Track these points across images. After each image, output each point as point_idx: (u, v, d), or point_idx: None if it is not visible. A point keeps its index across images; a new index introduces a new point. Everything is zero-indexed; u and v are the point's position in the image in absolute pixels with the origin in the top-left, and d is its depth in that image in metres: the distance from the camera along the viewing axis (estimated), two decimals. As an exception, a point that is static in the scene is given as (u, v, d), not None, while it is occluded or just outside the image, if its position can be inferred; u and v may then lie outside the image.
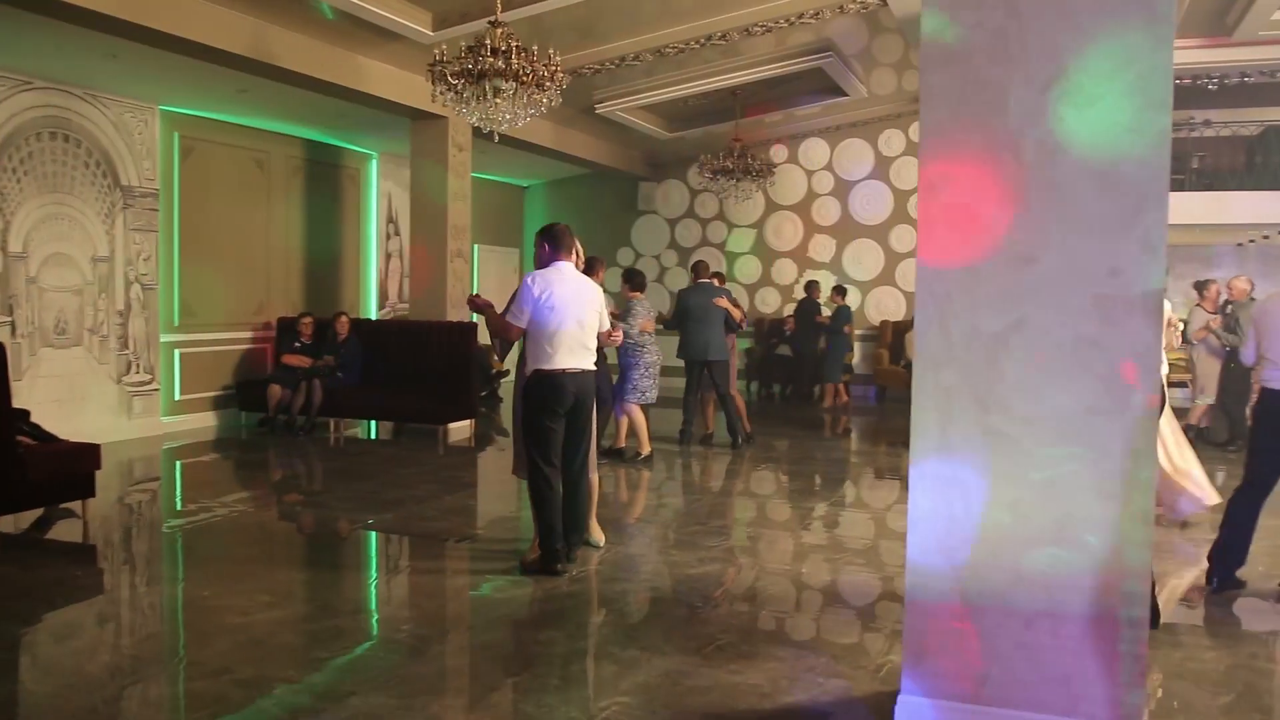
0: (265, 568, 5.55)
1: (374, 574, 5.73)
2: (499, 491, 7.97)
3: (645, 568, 5.64)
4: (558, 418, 5.31)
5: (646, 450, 8.94)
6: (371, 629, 4.65)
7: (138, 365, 9.85)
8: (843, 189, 15.02)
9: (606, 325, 5.55)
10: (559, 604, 4.93)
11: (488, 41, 7.22)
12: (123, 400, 9.70)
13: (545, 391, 5.28)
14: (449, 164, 10.65)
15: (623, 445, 9.07)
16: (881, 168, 14.84)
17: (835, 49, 11.28)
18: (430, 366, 10.41)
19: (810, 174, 15.10)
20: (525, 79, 7.19)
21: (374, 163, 12.95)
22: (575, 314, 5.28)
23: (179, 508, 7.23)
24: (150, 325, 9.97)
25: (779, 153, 15.07)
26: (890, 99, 14.04)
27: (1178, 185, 14.14)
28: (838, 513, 7.21)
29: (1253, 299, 12.49)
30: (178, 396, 10.34)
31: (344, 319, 10.76)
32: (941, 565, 3.46)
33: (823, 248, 15.14)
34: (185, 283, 10.37)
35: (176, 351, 10.31)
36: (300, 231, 11.81)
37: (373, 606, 5.02)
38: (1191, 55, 12.60)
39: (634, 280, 9.19)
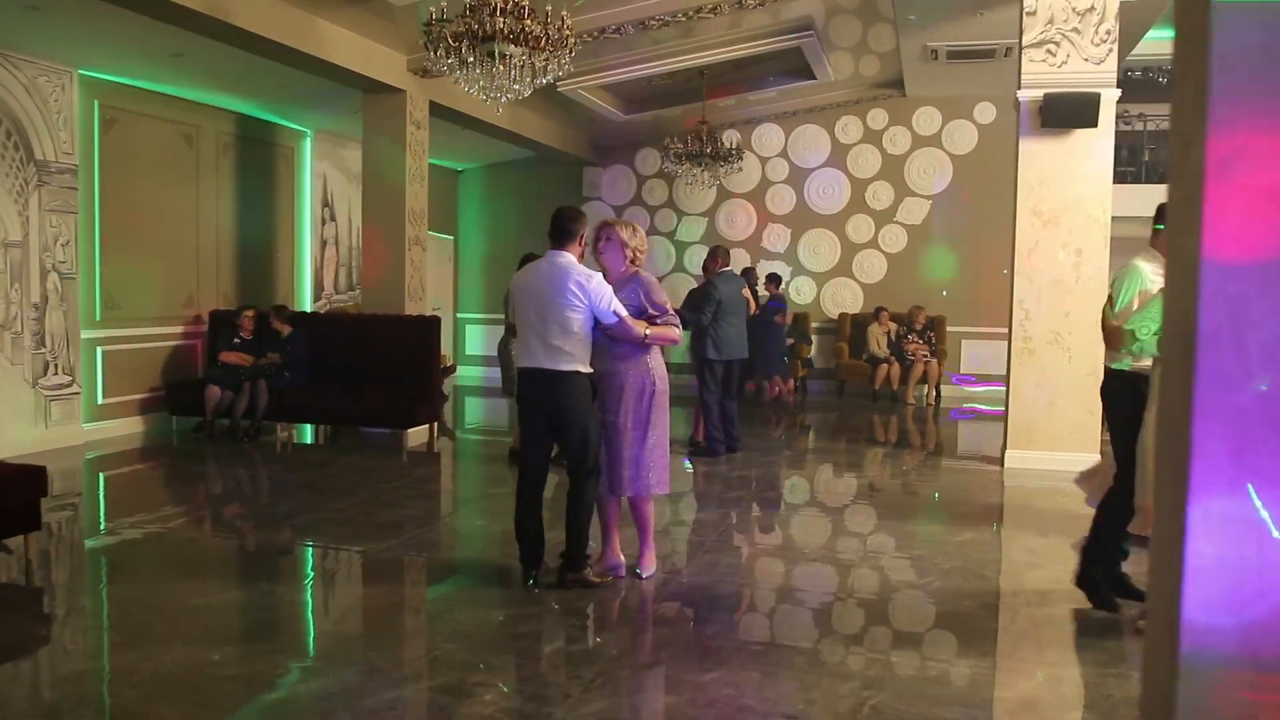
0: (277, 625, 4.63)
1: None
2: (504, 508, 7.13)
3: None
4: (528, 420, 4.96)
5: None
6: None
7: (56, 365, 8.63)
8: (798, 177, 14.50)
9: (611, 319, 4.79)
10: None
11: (491, 0, 6.36)
12: (39, 406, 8.48)
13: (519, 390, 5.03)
14: (407, 142, 9.69)
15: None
16: (838, 155, 14.37)
17: (816, 28, 10.71)
18: (388, 365, 9.46)
19: (764, 161, 14.53)
20: (537, 43, 6.36)
21: (308, 141, 11.84)
22: (535, 307, 4.80)
23: (104, 528, 6.19)
24: (70, 320, 8.76)
25: (731, 138, 14.45)
26: (847, 84, 13.58)
27: (1134, 178, 14.09)
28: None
29: None
30: (101, 400, 9.14)
31: (285, 312, 9.72)
32: (1228, 624, 2.85)
33: (777, 237, 14.60)
34: (108, 271, 9.17)
35: (99, 349, 9.11)
36: (232, 215, 10.66)
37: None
38: (1149, 48, 12.44)
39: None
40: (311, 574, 5.49)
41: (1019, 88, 8.44)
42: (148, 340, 9.61)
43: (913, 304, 13.57)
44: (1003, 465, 8.54)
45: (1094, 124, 8.16)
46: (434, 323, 9.62)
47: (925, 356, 13.24)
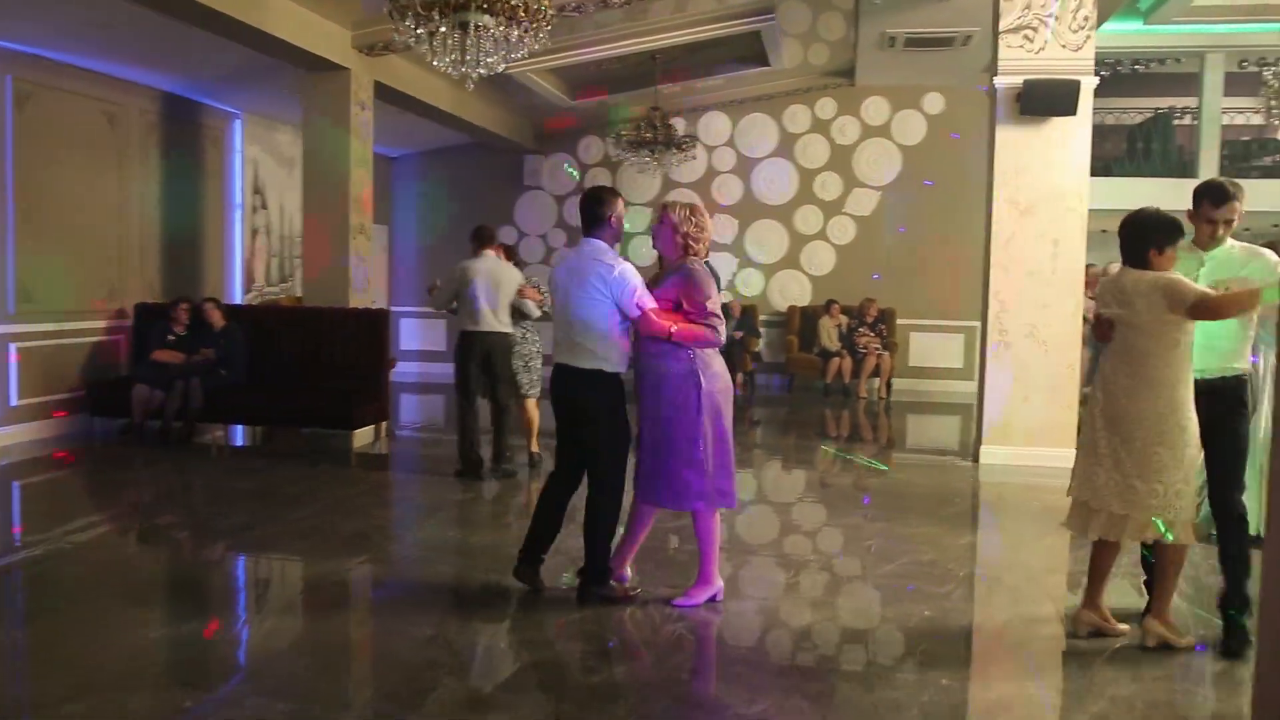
0: (254, 661, 4.10)
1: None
2: (474, 517, 6.63)
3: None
4: (556, 420, 4.78)
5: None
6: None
7: (-35, 364, 7.85)
8: (745, 166, 14.20)
9: (634, 312, 4.50)
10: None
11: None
12: (-53, 409, 7.70)
13: None
14: (351, 125, 9.08)
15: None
16: (786, 145, 14.11)
17: (777, 11, 10.39)
18: (333, 361, 8.87)
19: (711, 150, 14.18)
20: (514, 14, 5.88)
21: (238, 124, 11.10)
22: (560, 300, 4.63)
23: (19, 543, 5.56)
24: (-20, 314, 7.98)
25: (681, 126, 14.07)
26: (796, 73, 13.33)
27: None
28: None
29: None
30: (15, 402, 8.35)
31: (211, 306, 9.04)
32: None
33: (724, 228, 14.26)
34: (22, 261, 8.37)
35: (12, 345, 8.33)
36: (156, 201, 9.90)
37: None
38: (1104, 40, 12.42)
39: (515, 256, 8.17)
40: (283, 597, 4.95)
41: (995, 74, 8.22)
42: (66, 336, 8.84)
43: (864, 296, 13.39)
44: (977, 461, 8.34)
45: (1073, 112, 7.98)
46: (381, 316, 9.06)
47: (877, 349, 13.06)
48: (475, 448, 7.38)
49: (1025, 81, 7.97)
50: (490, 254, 7.52)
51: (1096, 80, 8.14)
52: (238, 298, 11.02)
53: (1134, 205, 13.55)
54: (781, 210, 14.15)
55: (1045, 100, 7.92)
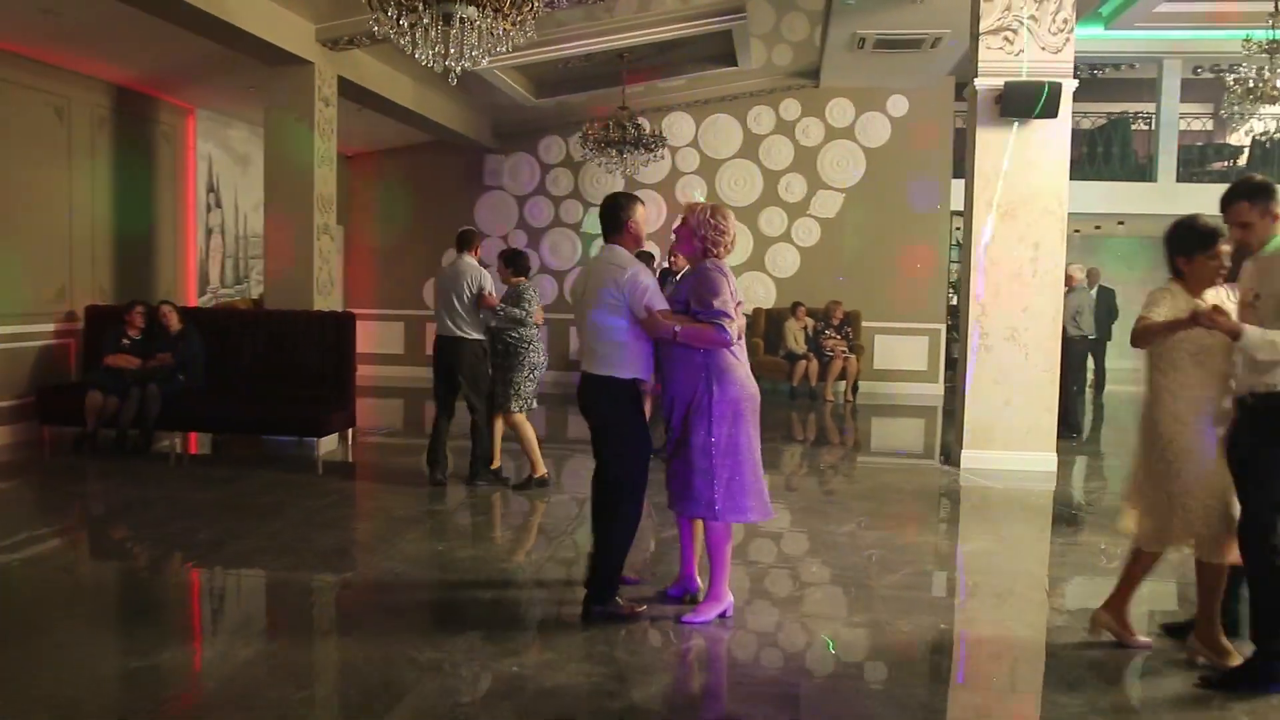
0: (249, 690, 3.83)
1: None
2: (455, 529, 6.39)
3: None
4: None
5: (540, 472, 7.18)
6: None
7: (-95, 371, 7.41)
8: (709, 168, 14.07)
9: (642, 314, 4.35)
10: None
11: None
12: (-114, 418, 7.26)
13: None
14: (315, 121, 8.76)
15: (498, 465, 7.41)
16: (750, 146, 14.00)
17: (748, 10, 10.26)
18: (298, 366, 8.55)
19: (675, 151, 14.02)
20: (500, 6, 5.65)
21: (192, 119, 10.70)
22: (579, 308, 4.57)
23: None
24: (-78, 317, 7.54)
25: (650, 125, 13.89)
26: (761, 74, 13.23)
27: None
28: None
29: (1083, 287, 12.73)
30: (-41, 410, 7.93)
31: (168, 309, 8.66)
32: None
33: (687, 230, 14.09)
34: (-34, 261, 7.95)
35: (-44, 351, 7.91)
36: (108, 199, 9.48)
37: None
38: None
39: (516, 263, 7.47)
40: (269, 619, 4.67)
41: (976, 75, 8.16)
42: (14, 340, 8.41)
43: (829, 299, 13.32)
44: (959, 466, 8.26)
45: (1055, 114, 7.94)
46: (348, 320, 8.74)
47: (844, 352, 13.00)
48: (436, 456, 7.15)
49: (1006, 83, 7.91)
50: (467, 258, 7.26)
51: (1076, 83, 8.12)
52: (192, 300, 10.61)
53: (1092, 208, 13.67)
54: (746, 212, 14.02)
55: (1027, 102, 7.87)
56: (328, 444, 8.51)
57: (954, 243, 14.57)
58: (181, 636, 4.29)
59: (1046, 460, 8.16)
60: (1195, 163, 14.66)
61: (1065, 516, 6.79)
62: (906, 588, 5.06)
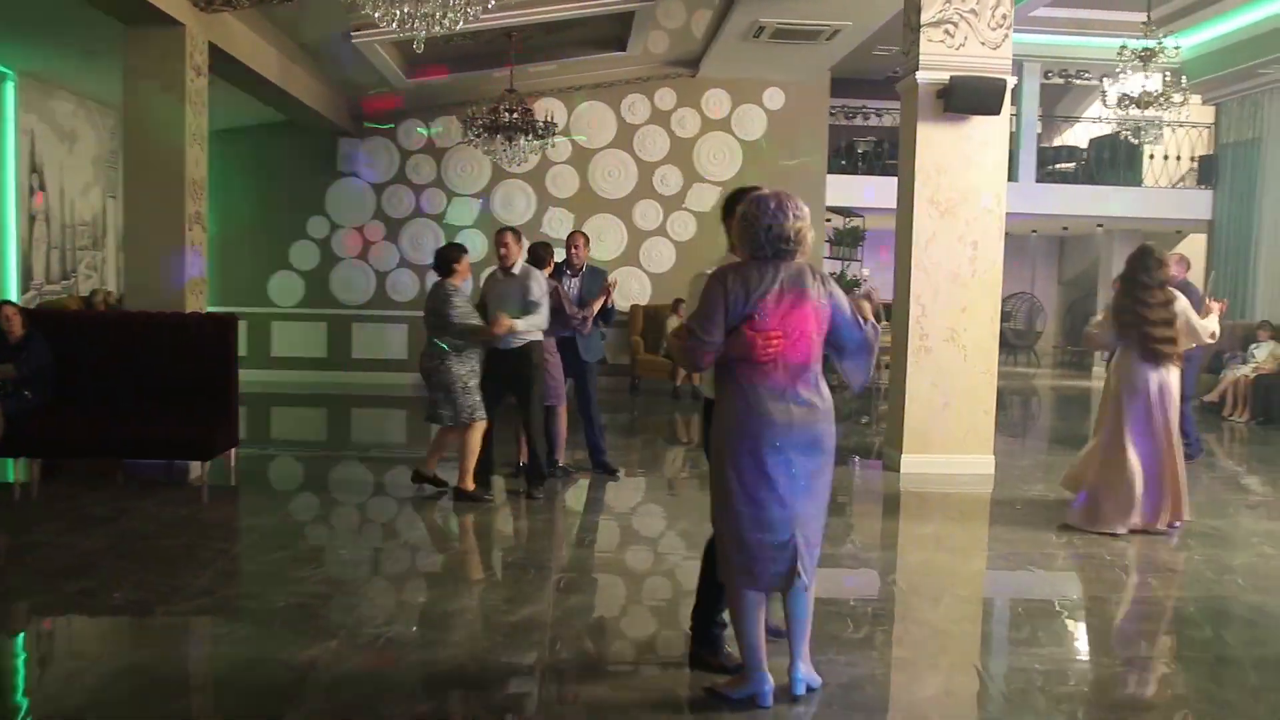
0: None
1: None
2: (419, 569, 5.51)
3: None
4: None
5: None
6: None
7: None
8: (582, 157, 13.41)
9: None
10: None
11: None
12: None
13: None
14: (186, 93, 7.57)
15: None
16: (624, 136, 13.44)
17: (652, -8, 9.69)
18: (172, 378, 7.33)
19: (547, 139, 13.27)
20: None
21: (10, 87, 9.13)
22: None
23: None
24: None
25: (549, 110, 13.03)
26: (635, 60, 12.69)
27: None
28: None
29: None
30: None
31: (12, 311, 7.29)
32: None
33: (559, 222, 13.41)
34: None
35: None
36: (-86, 179, 7.91)
37: None
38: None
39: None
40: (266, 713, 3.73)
41: (917, 69, 7.90)
42: None
43: (711, 296, 12.95)
44: (899, 471, 8.00)
45: (998, 111, 7.79)
46: (229, 323, 7.59)
47: (728, 351, 12.65)
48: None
49: (953, 78, 7.69)
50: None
51: (1015, 80, 8.00)
52: (14, 297, 9.07)
53: None
54: (620, 205, 13.49)
55: (972, 98, 7.68)
56: (200, 464, 7.36)
57: (827, 238, 14.53)
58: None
59: (985, 463, 8.03)
60: (1044, 163, 15.19)
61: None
62: (959, 619, 4.65)
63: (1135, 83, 10.67)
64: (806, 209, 3.55)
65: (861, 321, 3.59)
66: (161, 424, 7.03)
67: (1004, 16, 7.90)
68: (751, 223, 3.51)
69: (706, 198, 13.47)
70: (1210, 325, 6.32)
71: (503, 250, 6.69)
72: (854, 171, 14.68)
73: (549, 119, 10.91)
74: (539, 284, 6.65)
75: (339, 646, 4.07)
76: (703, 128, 13.46)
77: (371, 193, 13.30)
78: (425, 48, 10.56)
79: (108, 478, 7.23)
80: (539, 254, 7.32)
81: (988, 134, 7.94)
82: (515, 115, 10.37)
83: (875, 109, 15.05)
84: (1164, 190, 15.17)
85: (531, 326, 6.58)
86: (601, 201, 13.46)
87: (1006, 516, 6.75)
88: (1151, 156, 14.92)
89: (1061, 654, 4.28)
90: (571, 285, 7.52)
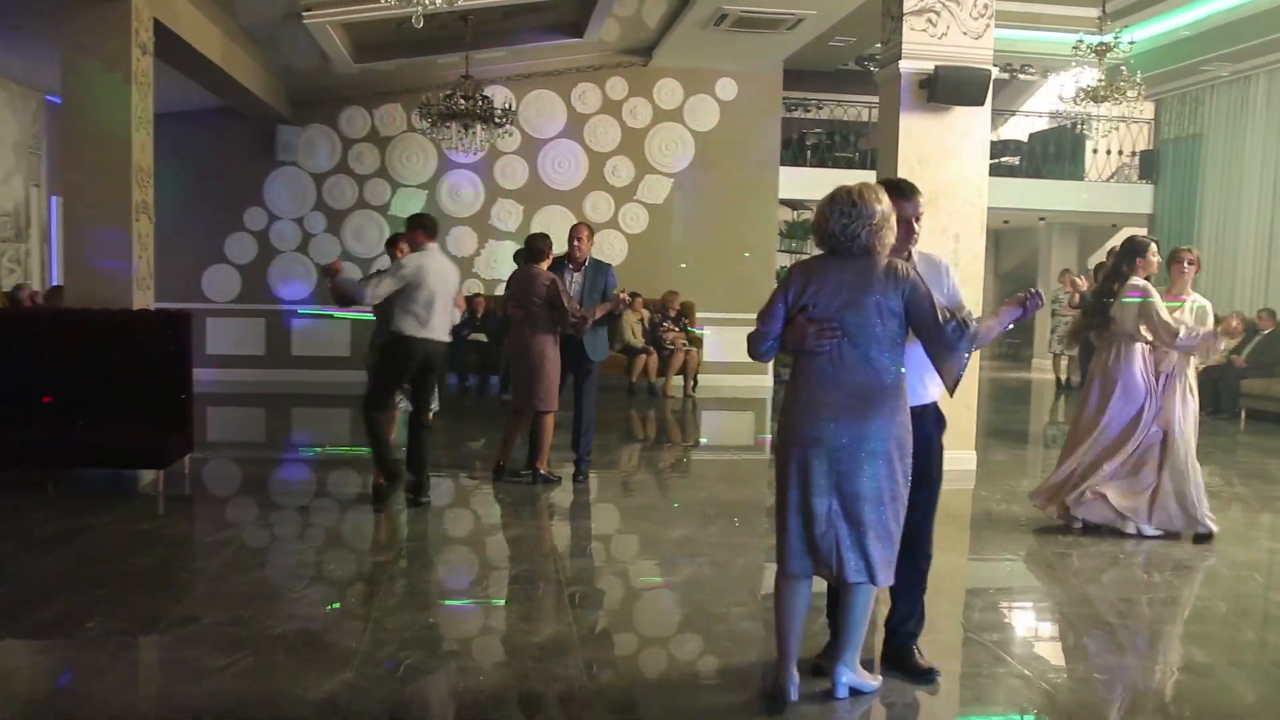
0: None
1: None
2: (427, 584, 5.13)
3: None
4: None
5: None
6: None
7: None
8: (531, 148, 13.03)
9: None
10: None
11: None
12: None
13: None
14: (132, 72, 7.02)
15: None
16: (575, 125, 13.10)
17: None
18: (120, 381, 6.81)
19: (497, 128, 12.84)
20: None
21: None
22: None
23: None
24: None
25: (507, 98, 12.58)
26: (587, 49, 12.37)
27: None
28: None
29: None
30: None
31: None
32: None
33: (508, 214, 13.05)
34: None
35: None
36: None
37: None
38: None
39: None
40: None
41: (900, 57, 7.74)
42: None
43: (665, 289, 12.73)
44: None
45: (982, 102, 7.68)
46: (183, 321, 7.07)
47: (684, 345, 12.44)
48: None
49: (938, 68, 7.54)
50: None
51: (996, 70, 7.90)
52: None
53: None
54: (570, 196, 13.16)
55: (957, 89, 7.55)
56: (150, 473, 6.86)
57: (780, 231, 14.39)
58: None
59: (967, 459, 7.93)
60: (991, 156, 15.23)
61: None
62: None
63: (1090, 76, 10.74)
64: (879, 207, 3.44)
65: (944, 320, 3.37)
66: (112, 430, 6.53)
67: (985, 6, 7.79)
68: (819, 219, 3.52)
69: (659, 189, 13.23)
70: (1183, 329, 5.74)
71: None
72: (804, 163, 14.54)
73: (506, 106, 10.51)
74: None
75: (356, 679, 3.70)
76: (655, 118, 13.20)
77: (311, 183, 12.73)
78: (376, 30, 10.20)
79: (40, 489, 6.64)
80: (537, 246, 7.04)
81: (970, 125, 7.82)
82: (471, 102, 9.95)
83: (824, 101, 14.95)
84: (1105, 184, 15.37)
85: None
86: (551, 193, 13.10)
87: (1002, 515, 6.62)
88: (1095, 151, 15.12)
89: (1116, 662, 4.13)
90: (573, 280, 7.18)
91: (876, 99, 14.97)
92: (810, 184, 14.26)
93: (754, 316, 3.63)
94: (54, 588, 4.68)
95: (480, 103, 10.10)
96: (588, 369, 7.11)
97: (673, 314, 12.61)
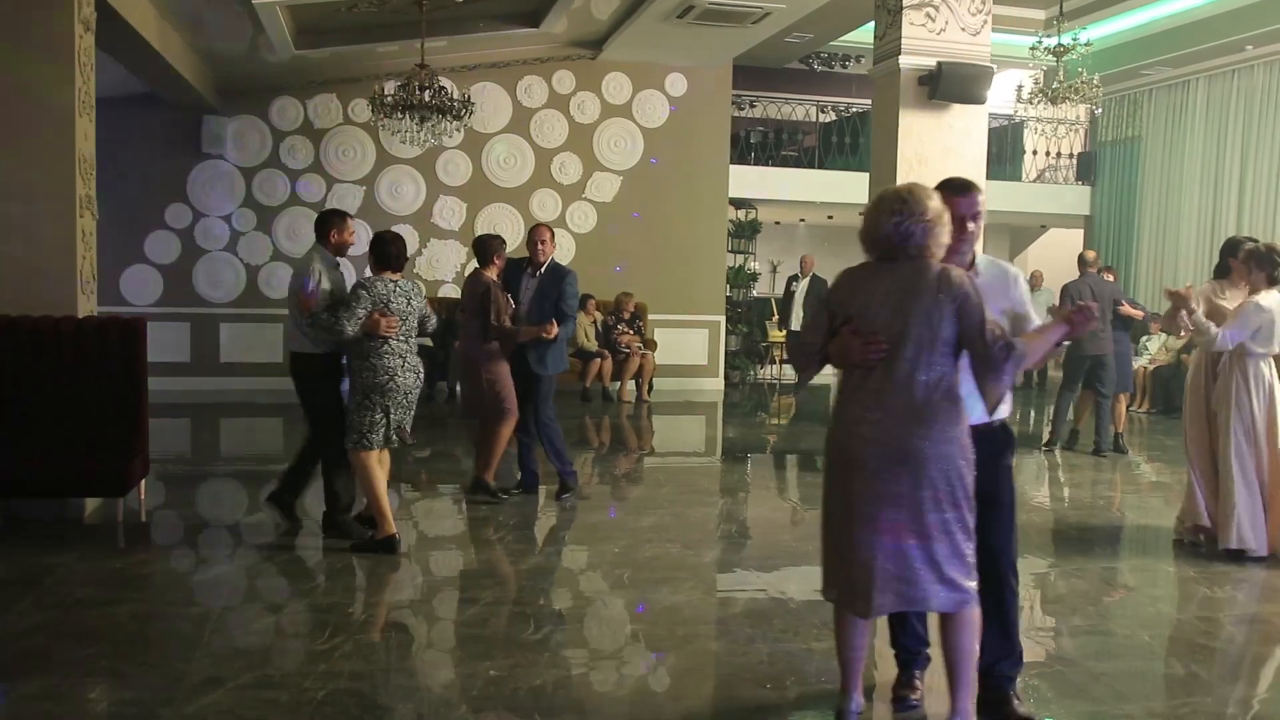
0: None
1: None
2: (444, 626, 4.59)
3: None
4: None
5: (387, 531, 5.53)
6: None
7: None
8: (475, 143, 12.42)
9: None
10: None
11: None
12: None
13: None
14: (75, 53, 6.26)
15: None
16: (521, 120, 12.56)
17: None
18: (67, 398, 6.07)
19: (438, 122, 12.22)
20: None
21: None
22: None
23: None
24: None
25: (466, 89, 11.92)
26: (532, 40, 11.86)
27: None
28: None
29: (817, 275, 13.08)
30: None
31: None
32: None
33: (450, 212, 12.43)
34: None
35: None
36: None
37: None
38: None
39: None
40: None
41: (899, 53, 7.49)
42: None
43: (619, 290, 12.31)
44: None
45: (984, 100, 7.49)
46: (136, 328, 6.34)
47: (639, 348, 12.05)
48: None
49: (940, 64, 7.32)
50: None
51: (995, 67, 7.72)
52: None
53: (843, 198, 13.44)
54: (516, 193, 12.61)
55: (959, 86, 7.34)
56: (95, 501, 6.16)
57: (730, 231, 14.07)
58: None
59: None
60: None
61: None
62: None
63: (1040, 78, 10.79)
64: (931, 204, 3.13)
65: (992, 340, 3.07)
66: (64, 454, 5.79)
67: (983, 2, 7.59)
68: (869, 224, 3.23)
69: (607, 187, 12.79)
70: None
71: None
72: (749, 162, 14.27)
73: (466, 97, 9.92)
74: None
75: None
76: (603, 113, 12.75)
77: (240, 177, 11.89)
78: (323, 14, 9.51)
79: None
80: (483, 248, 6.61)
81: (969, 124, 7.64)
82: (431, 93, 9.34)
83: (771, 99, 14.73)
84: (1042, 185, 15.53)
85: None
86: (496, 190, 12.54)
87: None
88: (1035, 152, 15.25)
89: (1242, 693, 3.88)
90: (529, 286, 6.70)
91: (822, 98, 15.20)
92: (755, 183, 14.06)
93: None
94: (32, 649, 4.01)
95: (438, 94, 9.48)
96: (535, 383, 6.58)
97: (627, 316, 12.19)
